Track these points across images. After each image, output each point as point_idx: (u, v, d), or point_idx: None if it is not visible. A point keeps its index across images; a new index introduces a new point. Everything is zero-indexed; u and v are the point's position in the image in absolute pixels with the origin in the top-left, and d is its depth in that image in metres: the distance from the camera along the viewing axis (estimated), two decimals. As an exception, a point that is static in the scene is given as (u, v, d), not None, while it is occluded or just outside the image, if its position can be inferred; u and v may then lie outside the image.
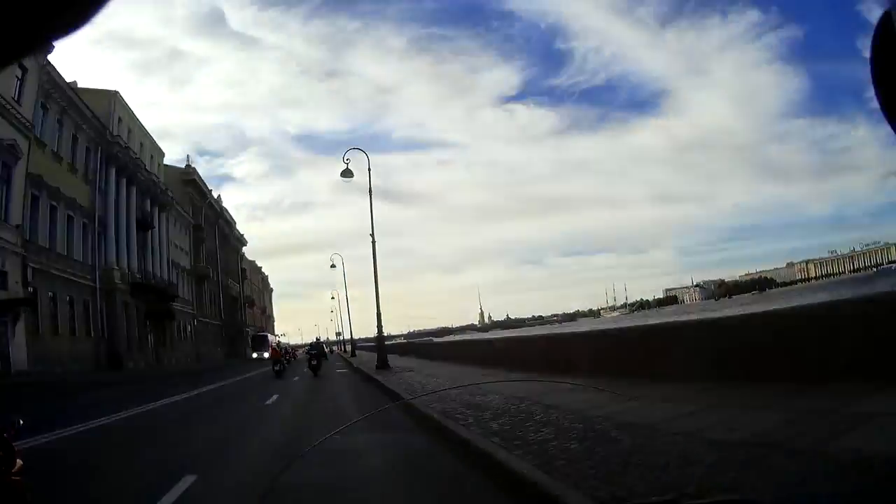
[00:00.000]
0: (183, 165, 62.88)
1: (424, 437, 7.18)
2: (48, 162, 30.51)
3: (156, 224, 47.88)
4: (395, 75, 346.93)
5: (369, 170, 22.56)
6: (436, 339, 57.87)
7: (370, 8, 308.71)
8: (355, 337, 54.88)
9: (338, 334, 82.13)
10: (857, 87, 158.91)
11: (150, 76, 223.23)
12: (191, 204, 61.21)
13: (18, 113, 26.53)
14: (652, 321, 12.92)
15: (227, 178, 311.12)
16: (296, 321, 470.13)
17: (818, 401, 5.29)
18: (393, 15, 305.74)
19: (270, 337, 69.89)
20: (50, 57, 29.38)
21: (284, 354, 29.29)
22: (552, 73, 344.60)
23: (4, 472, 2.42)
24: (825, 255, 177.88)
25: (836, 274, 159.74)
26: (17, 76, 26.53)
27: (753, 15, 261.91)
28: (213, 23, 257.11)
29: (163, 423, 12.20)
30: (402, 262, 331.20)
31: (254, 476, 5.88)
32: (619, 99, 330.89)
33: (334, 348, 76.77)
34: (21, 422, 2.60)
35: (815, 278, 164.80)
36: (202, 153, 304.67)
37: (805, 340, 6.38)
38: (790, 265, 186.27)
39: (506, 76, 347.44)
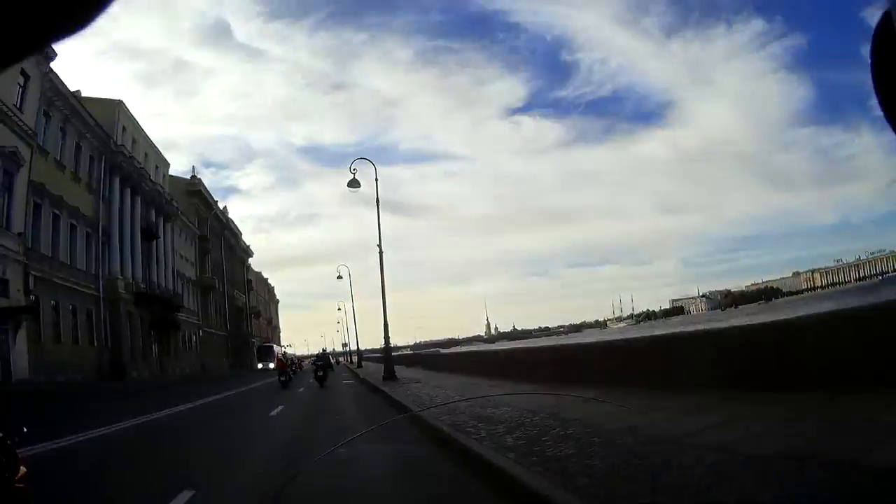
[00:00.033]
0: (188, 177, 62.91)
1: (434, 452, 6.71)
2: (51, 170, 30.28)
3: (161, 234, 47.75)
4: (401, 87, 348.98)
5: (376, 179, 22.48)
6: (442, 350, 57.45)
7: (376, 20, 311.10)
8: (361, 348, 54.68)
9: (344, 345, 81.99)
10: (862, 94, 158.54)
11: (156, 87, 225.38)
12: (196, 215, 61.15)
13: (20, 120, 26.32)
14: (662, 332, 12.44)
15: (233, 190, 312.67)
16: (302, 332, 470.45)
17: (847, 411, 4.97)
18: (399, 27, 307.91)
19: (276, 348, 69.67)
20: (53, 65, 29.36)
21: (290, 365, 29.21)
22: (558, 85, 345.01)
23: (8, 480, 2.38)
24: (830, 264, 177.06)
25: (842, 283, 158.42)
26: (19, 83, 26.43)
27: (758, 24, 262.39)
28: (219, 34, 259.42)
29: (162, 434, 11.89)
30: (409, 273, 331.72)
31: (253, 491, 5.62)
32: (625, 110, 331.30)
33: (340, 359, 76.59)
34: (25, 429, 2.59)
35: (821, 287, 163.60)
36: (208, 165, 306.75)
37: (830, 347, 6.03)
38: (796, 275, 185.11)
39: (512, 88, 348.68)
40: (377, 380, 20.33)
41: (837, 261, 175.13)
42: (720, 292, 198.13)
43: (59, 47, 29.42)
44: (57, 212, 30.83)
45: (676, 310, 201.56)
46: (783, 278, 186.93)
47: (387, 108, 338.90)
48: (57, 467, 7.67)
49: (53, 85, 29.92)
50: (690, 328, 10.83)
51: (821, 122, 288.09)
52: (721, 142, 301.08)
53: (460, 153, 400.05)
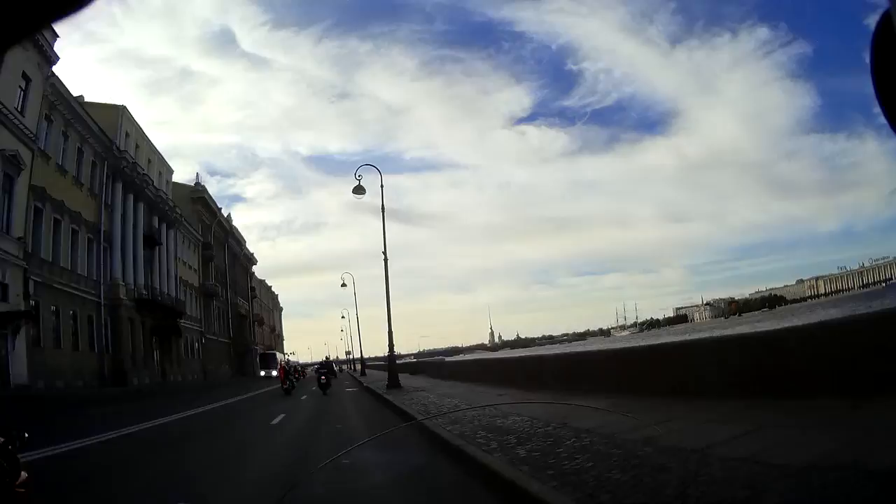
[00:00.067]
0: (193, 184, 62.78)
1: (442, 464, 6.30)
2: (52, 175, 30.07)
3: (163, 240, 47.48)
4: (406, 97, 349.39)
5: (382, 186, 22.46)
6: (447, 359, 57.10)
7: (382, 30, 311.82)
8: (365, 356, 54.34)
9: (347, 353, 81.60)
10: (866, 101, 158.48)
11: (162, 95, 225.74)
12: (200, 222, 61.04)
13: (21, 123, 26.11)
14: (675, 339, 12.10)
15: (237, 198, 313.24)
16: (305, 340, 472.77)
17: (875, 417, 4.73)
18: (404, 37, 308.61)
19: (279, 355, 69.50)
20: (55, 69, 29.21)
21: (293, 373, 29.19)
22: (563, 94, 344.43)
23: (9, 485, 2.37)
24: (834, 271, 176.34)
25: (846, 290, 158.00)
26: (20, 86, 26.27)
27: (763, 32, 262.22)
28: (225, 43, 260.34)
29: (160, 442, 11.58)
30: (413, 281, 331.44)
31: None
32: (629, 119, 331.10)
33: (344, 367, 76.35)
34: (27, 434, 2.60)
35: (825, 294, 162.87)
36: (213, 173, 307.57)
37: (851, 352, 5.76)
38: (800, 282, 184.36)
39: (517, 97, 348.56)
40: (381, 388, 20.06)
41: (841, 268, 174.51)
42: (724, 300, 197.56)
43: (63, 52, 29.36)
44: (58, 216, 30.55)
45: (680, 318, 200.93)
46: (787, 286, 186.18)
47: (392, 117, 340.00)
48: (49, 476, 7.27)
49: (55, 89, 29.75)
50: (716, 334, 10.44)
51: (825, 130, 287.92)
52: (725, 150, 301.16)
53: (465, 162, 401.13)
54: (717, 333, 10.06)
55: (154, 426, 14.32)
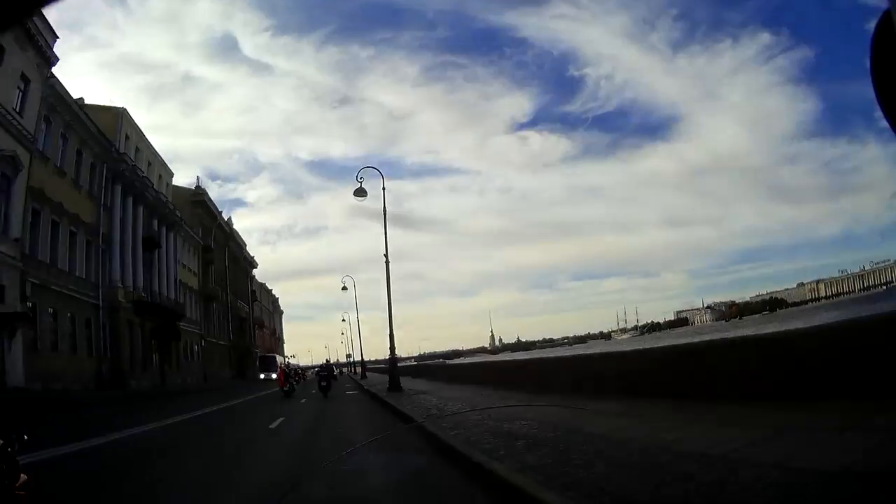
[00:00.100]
0: (193, 187, 62.64)
1: (447, 472, 5.98)
2: (51, 176, 29.84)
3: (163, 243, 47.27)
4: (408, 102, 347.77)
5: (384, 188, 22.32)
6: (448, 362, 56.89)
7: (384, 36, 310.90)
8: (365, 359, 54.09)
9: (348, 356, 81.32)
10: (867, 106, 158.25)
11: (163, 100, 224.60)
12: (200, 225, 60.89)
13: (20, 124, 25.92)
14: (688, 340, 11.83)
15: (239, 203, 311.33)
16: (306, 343, 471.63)
17: None
18: (406, 43, 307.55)
19: (279, 358, 69.17)
20: (55, 70, 29.02)
21: (293, 376, 29.06)
22: (565, 100, 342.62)
23: (8, 487, 2.40)
24: (836, 274, 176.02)
25: (847, 293, 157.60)
26: (19, 87, 26.11)
27: (764, 37, 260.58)
28: (227, 49, 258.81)
29: (155, 447, 11.27)
30: (414, 285, 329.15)
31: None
32: (631, 124, 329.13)
33: (344, 370, 76.14)
34: (26, 437, 2.61)
35: (826, 298, 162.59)
36: (214, 177, 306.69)
37: (871, 352, 5.45)
38: (800, 285, 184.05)
39: (519, 103, 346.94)
40: (382, 391, 19.79)
41: (842, 271, 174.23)
42: (725, 303, 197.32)
43: (65, 56, 29.16)
44: (56, 218, 30.31)
45: (681, 321, 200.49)
46: (788, 289, 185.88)
47: (393, 122, 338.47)
48: (48, 479, 7.00)
49: (55, 90, 29.58)
50: (729, 335, 10.13)
51: (826, 135, 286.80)
52: (727, 155, 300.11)
53: (467, 167, 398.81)
54: (732, 334, 9.74)
55: (147, 431, 14.09)
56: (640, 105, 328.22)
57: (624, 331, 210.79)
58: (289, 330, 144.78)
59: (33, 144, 27.33)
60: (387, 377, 21.94)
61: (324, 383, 24.90)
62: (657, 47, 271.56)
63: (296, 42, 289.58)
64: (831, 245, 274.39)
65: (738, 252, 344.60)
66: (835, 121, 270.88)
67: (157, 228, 46.01)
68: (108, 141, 36.79)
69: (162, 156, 49.30)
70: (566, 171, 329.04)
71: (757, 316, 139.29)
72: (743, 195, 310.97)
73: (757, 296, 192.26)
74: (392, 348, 21.68)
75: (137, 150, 42.63)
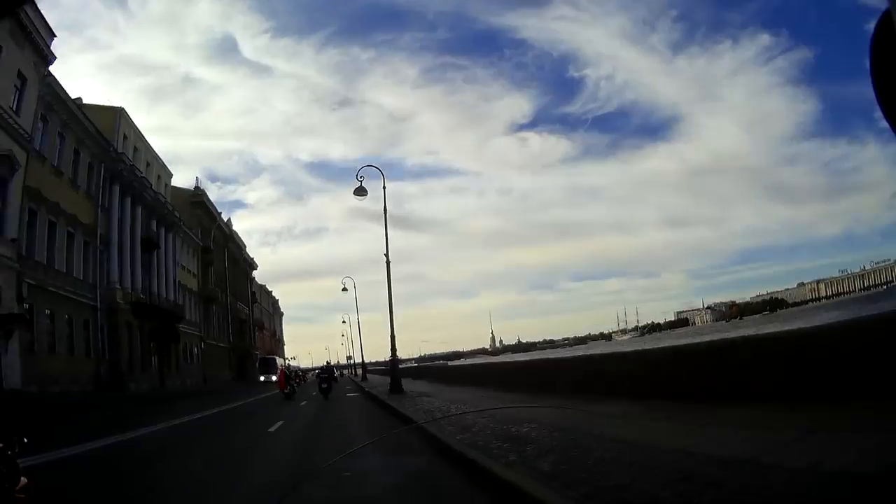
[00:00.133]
0: (192, 188, 62.40)
1: (456, 480, 5.68)
2: (48, 176, 29.54)
3: (162, 244, 47.02)
4: (408, 104, 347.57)
5: (384, 187, 22.12)
6: (449, 363, 56.73)
7: (384, 37, 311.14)
8: (366, 361, 53.87)
9: (348, 358, 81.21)
10: (867, 106, 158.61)
11: (163, 102, 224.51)
12: (200, 226, 60.64)
13: (16, 123, 25.62)
14: (703, 338, 11.52)
15: (239, 204, 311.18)
16: (306, 345, 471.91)
17: None
18: (406, 44, 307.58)
19: (279, 360, 68.94)
20: (54, 71, 28.81)
21: (293, 378, 28.92)
22: (565, 101, 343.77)
23: (8, 490, 2.39)
24: (836, 274, 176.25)
25: (847, 293, 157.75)
26: (15, 85, 25.82)
27: (764, 39, 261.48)
28: (227, 50, 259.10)
29: (150, 451, 11.12)
30: (414, 287, 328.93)
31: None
32: (631, 125, 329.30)
33: (344, 372, 75.97)
34: (26, 439, 2.59)
35: (826, 298, 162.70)
36: (214, 179, 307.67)
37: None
38: (800, 285, 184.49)
39: (519, 104, 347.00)
40: (383, 393, 19.54)
41: (842, 271, 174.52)
42: (725, 304, 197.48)
43: (64, 57, 28.88)
44: (53, 218, 29.99)
45: (681, 321, 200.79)
46: (788, 289, 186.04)
47: (393, 124, 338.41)
48: (47, 482, 6.79)
49: (52, 89, 29.32)
50: (729, 335, 9.84)
51: (826, 135, 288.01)
52: (727, 156, 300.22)
53: (467, 168, 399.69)
54: (733, 334, 9.47)
55: (143, 434, 13.93)
56: (640, 106, 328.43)
57: (624, 331, 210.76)
58: (289, 332, 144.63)
59: (30, 143, 27.03)
60: (387, 379, 21.75)
61: (324, 385, 24.83)
62: (657, 48, 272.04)
63: (296, 44, 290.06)
64: (831, 245, 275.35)
65: (737, 252, 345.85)
66: (834, 121, 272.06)
67: (155, 229, 45.73)
68: (105, 140, 36.50)
69: (161, 157, 49.15)
70: (566, 171, 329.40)
71: (757, 316, 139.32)
72: (743, 196, 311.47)
73: (757, 296, 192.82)
74: (393, 350, 21.52)
75: (136, 150, 42.40)
